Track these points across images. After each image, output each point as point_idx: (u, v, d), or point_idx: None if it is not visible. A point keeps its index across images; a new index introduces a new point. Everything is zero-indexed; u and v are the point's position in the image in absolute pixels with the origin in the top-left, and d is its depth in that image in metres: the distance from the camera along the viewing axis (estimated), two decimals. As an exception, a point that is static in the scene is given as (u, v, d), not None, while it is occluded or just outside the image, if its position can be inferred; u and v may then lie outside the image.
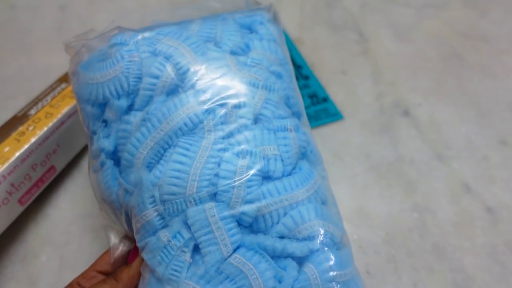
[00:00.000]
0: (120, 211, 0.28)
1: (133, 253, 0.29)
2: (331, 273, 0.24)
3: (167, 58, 0.27)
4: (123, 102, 0.27)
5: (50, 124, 0.37)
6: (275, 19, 0.32)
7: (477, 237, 0.36)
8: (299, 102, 0.31)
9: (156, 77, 0.26)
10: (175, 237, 0.24)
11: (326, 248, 0.25)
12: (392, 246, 0.35)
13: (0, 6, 0.57)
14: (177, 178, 0.25)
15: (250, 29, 0.31)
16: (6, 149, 0.34)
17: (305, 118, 0.31)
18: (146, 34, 0.28)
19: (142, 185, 0.26)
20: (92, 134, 0.29)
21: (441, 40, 0.53)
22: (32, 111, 0.38)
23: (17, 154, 0.34)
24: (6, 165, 0.33)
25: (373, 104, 0.46)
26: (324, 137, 0.43)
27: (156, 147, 0.26)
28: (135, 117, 0.27)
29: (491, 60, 0.51)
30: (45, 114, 0.37)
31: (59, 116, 0.37)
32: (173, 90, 0.27)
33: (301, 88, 0.48)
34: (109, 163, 0.28)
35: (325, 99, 0.47)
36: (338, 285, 0.24)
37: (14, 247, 0.36)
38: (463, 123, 0.44)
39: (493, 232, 0.36)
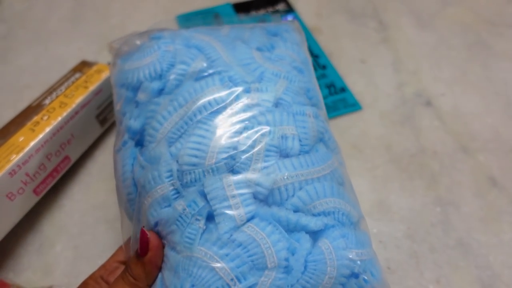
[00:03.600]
0: (130, 190, 0.29)
1: (142, 241, 0.28)
2: (347, 250, 0.24)
3: (199, 49, 0.29)
4: (155, 85, 0.28)
5: (64, 114, 0.36)
6: (299, 32, 0.35)
7: (504, 233, 0.34)
8: (319, 96, 0.31)
9: (188, 64, 0.28)
10: (189, 205, 0.25)
11: (341, 226, 0.25)
12: (414, 241, 0.34)
13: (16, -3, 0.58)
14: (197, 149, 0.25)
15: (275, 35, 0.33)
16: (21, 138, 0.34)
17: (324, 112, 0.31)
18: (183, 31, 0.31)
19: (161, 159, 0.26)
20: (122, 115, 0.30)
21: (465, 28, 0.51)
22: (47, 101, 0.38)
23: (32, 143, 0.34)
24: (21, 154, 0.33)
25: (393, 94, 0.45)
26: (342, 128, 0.42)
27: (180, 123, 0.26)
28: (164, 99, 0.28)
29: (520, 48, 0.48)
30: (59, 104, 0.37)
31: (73, 106, 0.37)
32: (202, 76, 0.28)
33: (319, 78, 0.46)
34: (130, 142, 0.29)
35: (343, 89, 0.45)
36: (356, 262, 0.24)
37: (29, 237, 0.36)
38: (489, 113, 0.42)
39: (522, 228, 0.34)
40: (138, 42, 0.31)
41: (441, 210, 0.36)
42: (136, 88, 0.30)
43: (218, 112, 0.26)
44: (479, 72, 0.46)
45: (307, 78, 0.31)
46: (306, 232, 0.24)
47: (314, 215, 0.25)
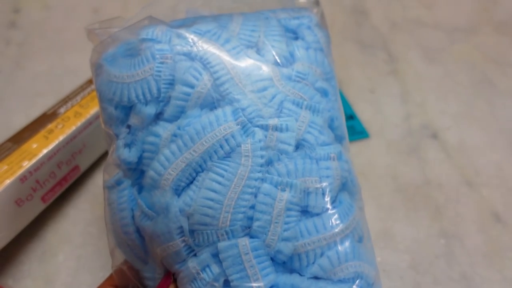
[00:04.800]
0: (132, 237, 0.26)
1: (163, 282, 0.26)
2: None
3: (204, 64, 0.24)
4: (151, 109, 0.24)
5: (79, 124, 0.37)
6: (322, 21, 0.29)
7: (507, 269, 0.34)
8: (343, 124, 0.28)
9: (191, 86, 0.24)
10: (204, 270, 0.23)
11: None
12: (417, 272, 0.34)
13: (36, 6, 0.59)
14: (209, 207, 0.22)
15: (295, 33, 0.28)
16: (34, 145, 0.34)
17: (347, 141, 0.28)
18: (182, 31, 0.24)
19: (169, 213, 0.23)
20: (112, 138, 0.26)
21: (471, 65, 0.53)
22: (62, 110, 0.38)
23: (45, 151, 0.34)
24: (33, 161, 0.33)
25: (401, 125, 0.46)
26: (350, 155, 0.43)
27: (187, 169, 0.23)
28: (164, 130, 0.24)
29: (524, 87, 0.50)
30: (74, 114, 0.38)
31: (88, 116, 0.38)
32: (208, 103, 0.24)
33: (328, 103, 0.47)
34: (127, 183, 0.26)
35: (352, 117, 0.46)
36: None
37: (32, 244, 0.36)
38: (493, 149, 0.43)
39: (525, 266, 0.35)
40: (125, 37, 0.25)
41: (445, 243, 0.36)
42: (126, 108, 0.25)
43: (231, 157, 0.23)
44: (484, 109, 0.47)
45: (332, 103, 0.27)
46: None
47: (333, 281, 0.23)
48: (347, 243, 0.23)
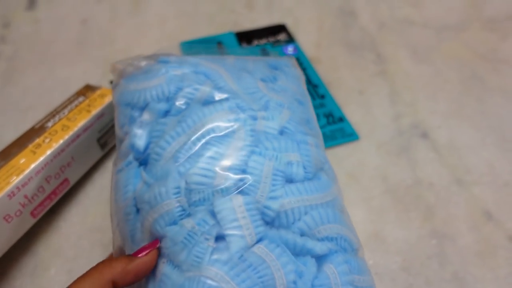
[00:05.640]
0: (129, 211, 0.28)
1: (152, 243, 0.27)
2: (350, 275, 0.25)
3: (207, 76, 0.30)
4: (162, 106, 0.29)
5: (66, 137, 0.37)
6: (297, 68, 0.37)
7: (499, 268, 0.34)
8: (317, 129, 0.33)
9: (196, 88, 0.29)
10: (199, 224, 0.25)
11: (344, 252, 0.26)
12: (409, 273, 0.34)
13: (25, 19, 0.59)
14: (206, 169, 0.26)
15: (276, 68, 0.35)
16: (22, 160, 0.35)
17: (322, 144, 0.32)
18: (189, 58, 0.32)
19: (169, 175, 0.26)
20: (124, 134, 0.31)
21: (460, 62, 0.53)
22: (49, 124, 0.38)
23: (33, 166, 0.34)
24: (21, 176, 0.33)
25: (390, 125, 0.45)
26: (340, 158, 0.43)
27: (188, 143, 0.27)
28: (170, 120, 0.29)
29: (513, 83, 0.50)
30: (62, 127, 0.38)
31: (75, 129, 0.38)
32: (209, 102, 0.29)
33: (317, 107, 0.47)
34: (134, 163, 0.29)
35: (341, 119, 0.46)
36: None
37: (24, 259, 0.36)
38: (484, 147, 0.43)
39: (517, 263, 0.34)
40: (143, 64, 0.32)
41: (436, 243, 0.36)
42: (141, 108, 0.30)
43: (226, 135, 0.27)
44: (474, 106, 0.47)
45: (307, 110, 0.32)
46: (312, 256, 0.25)
47: (318, 239, 0.26)
48: (328, 209, 0.27)
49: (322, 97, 0.49)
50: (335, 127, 0.45)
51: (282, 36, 0.56)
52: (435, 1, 0.62)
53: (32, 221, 0.35)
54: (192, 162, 0.26)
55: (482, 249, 0.35)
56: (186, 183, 0.26)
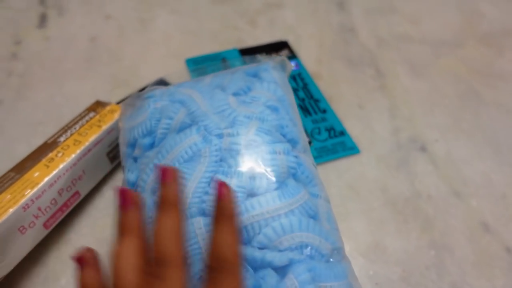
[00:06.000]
0: None
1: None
2: (313, 284, 0.25)
3: (181, 103, 0.33)
4: (146, 140, 0.33)
5: (78, 151, 0.38)
6: (281, 67, 0.37)
7: (496, 278, 0.35)
8: (295, 131, 0.33)
9: (171, 118, 0.32)
10: None
11: (309, 260, 0.26)
12: (409, 283, 0.35)
13: (36, 37, 0.61)
14: None
15: (254, 75, 0.36)
16: (36, 174, 0.36)
17: (302, 146, 0.33)
18: (170, 88, 0.35)
19: (146, 207, 0.29)
20: (123, 170, 0.34)
21: (457, 78, 0.54)
22: (62, 138, 0.40)
23: (46, 179, 0.36)
24: (35, 189, 0.35)
25: (389, 139, 0.47)
26: (341, 170, 0.44)
27: None
28: (152, 153, 0.32)
29: (509, 98, 0.51)
30: (74, 142, 0.39)
31: (87, 144, 0.39)
32: (183, 127, 0.32)
33: (319, 121, 0.49)
34: None
35: (342, 133, 0.48)
36: None
37: (36, 270, 0.37)
38: (480, 160, 0.44)
39: (514, 274, 0.35)
40: (137, 103, 0.36)
41: (435, 254, 0.37)
42: (133, 144, 0.34)
43: (193, 160, 0.29)
44: (471, 120, 0.49)
45: (282, 115, 0.33)
46: (273, 269, 0.25)
47: (280, 250, 0.26)
48: (292, 217, 0.26)
49: (324, 111, 0.50)
50: (336, 141, 0.47)
51: (284, 53, 0.58)
52: (433, 18, 0.64)
53: (44, 233, 0.37)
54: None
55: (479, 260, 0.36)
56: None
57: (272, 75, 0.36)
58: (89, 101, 0.50)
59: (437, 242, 0.38)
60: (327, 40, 0.60)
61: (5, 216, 0.32)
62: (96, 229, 0.40)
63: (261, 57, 0.40)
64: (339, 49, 0.59)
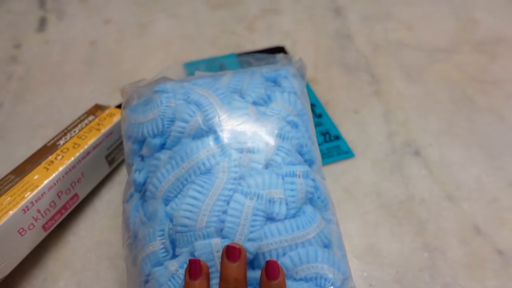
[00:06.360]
0: (131, 241, 0.31)
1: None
2: None
3: (198, 105, 0.31)
4: (157, 141, 0.31)
5: (77, 154, 0.39)
6: (300, 73, 0.36)
7: (488, 280, 0.36)
8: (313, 150, 0.33)
9: (186, 121, 0.30)
10: (182, 267, 0.26)
11: None
12: (402, 285, 0.36)
13: (36, 41, 0.62)
14: (190, 211, 0.27)
15: (274, 82, 0.34)
16: (36, 177, 0.37)
17: (317, 165, 0.33)
18: (184, 83, 0.33)
19: (156, 217, 0.28)
20: (129, 166, 0.33)
21: (451, 83, 0.55)
22: (61, 141, 0.40)
23: (46, 182, 0.36)
24: (35, 192, 0.35)
25: (384, 143, 0.48)
26: (336, 174, 0.45)
27: (176, 183, 0.29)
28: (164, 155, 0.30)
29: (501, 103, 0.52)
30: (73, 145, 0.40)
31: (86, 147, 0.40)
32: (199, 134, 0.30)
33: (315, 126, 0.49)
34: (136, 195, 0.31)
35: (337, 137, 0.49)
36: None
37: (34, 272, 0.37)
38: (473, 164, 0.45)
39: (505, 275, 0.36)
40: (145, 93, 0.34)
41: (428, 256, 0.38)
42: (141, 142, 0.32)
43: (211, 173, 0.28)
44: (464, 125, 0.50)
45: (301, 133, 0.32)
46: None
47: (296, 279, 0.26)
48: (309, 247, 0.26)
49: (319, 116, 0.51)
50: (331, 145, 0.48)
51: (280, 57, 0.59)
52: (428, 25, 0.65)
53: (43, 235, 0.37)
54: (178, 203, 0.28)
55: (471, 262, 0.37)
56: (173, 224, 0.27)
57: (292, 84, 0.34)
58: (88, 105, 0.51)
59: (430, 244, 0.38)
60: (323, 46, 0.61)
61: (5, 218, 0.33)
62: (95, 231, 0.40)
63: (279, 56, 0.38)
64: (335, 54, 0.60)
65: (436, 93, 0.54)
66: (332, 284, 0.26)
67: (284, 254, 0.26)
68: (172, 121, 0.31)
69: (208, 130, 0.30)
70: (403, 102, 0.53)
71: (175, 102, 0.31)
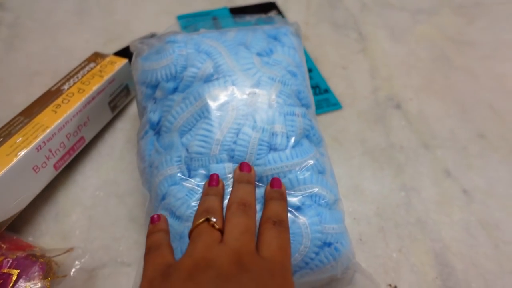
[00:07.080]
0: (147, 171, 0.34)
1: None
2: (320, 225, 0.30)
3: (208, 54, 0.34)
4: (170, 84, 0.34)
5: (83, 99, 0.41)
6: (297, 33, 0.40)
7: (454, 214, 0.41)
8: (309, 97, 0.37)
9: (198, 67, 0.34)
10: (198, 185, 0.31)
11: (317, 206, 0.31)
12: (381, 218, 0.41)
13: (24, -12, 0.60)
14: (204, 141, 0.31)
15: (275, 38, 0.38)
16: (45, 118, 0.38)
17: (312, 110, 0.37)
18: (194, 36, 0.36)
19: (173, 146, 0.32)
20: (143, 109, 0.36)
21: (431, 43, 0.59)
22: (65, 86, 0.42)
23: (56, 123, 0.38)
24: (46, 132, 0.37)
25: (369, 97, 0.52)
26: (325, 124, 0.48)
27: (190, 118, 0.32)
28: (177, 96, 0.33)
29: (475, 63, 0.56)
30: (78, 90, 0.41)
31: (90, 92, 0.41)
32: (209, 78, 0.33)
33: (306, 79, 0.52)
34: (151, 132, 0.34)
35: (326, 90, 0.52)
36: (329, 234, 0.30)
37: (46, 207, 0.40)
38: (447, 117, 0.50)
39: (468, 211, 0.42)
40: (156, 44, 0.37)
41: (405, 194, 0.43)
42: (154, 86, 0.35)
43: (221, 110, 0.32)
44: (441, 82, 0.54)
45: (299, 81, 0.36)
46: (289, 208, 0.30)
47: (295, 197, 0.31)
48: (306, 171, 0.31)
49: (310, 70, 0.54)
50: (321, 97, 0.51)
51: (273, 13, 0.61)
52: (412, -14, 0.67)
53: (54, 173, 0.39)
54: (193, 135, 0.31)
55: (441, 199, 0.43)
56: (188, 152, 0.31)
57: (291, 40, 0.38)
58: (84, 54, 0.51)
59: (407, 185, 0.43)
60: (313, 4, 0.63)
61: (20, 155, 0.35)
62: (100, 171, 0.43)
63: (277, 17, 0.43)
64: (325, 12, 0.62)
65: (417, 52, 0.58)
66: (324, 200, 0.31)
67: (284, 177, 0.31)
68: (184, 67, 0.34)
69: (218, 75, 0.33)
70: (387, 60, 0.56)
71: (186, 51, 0.34)
